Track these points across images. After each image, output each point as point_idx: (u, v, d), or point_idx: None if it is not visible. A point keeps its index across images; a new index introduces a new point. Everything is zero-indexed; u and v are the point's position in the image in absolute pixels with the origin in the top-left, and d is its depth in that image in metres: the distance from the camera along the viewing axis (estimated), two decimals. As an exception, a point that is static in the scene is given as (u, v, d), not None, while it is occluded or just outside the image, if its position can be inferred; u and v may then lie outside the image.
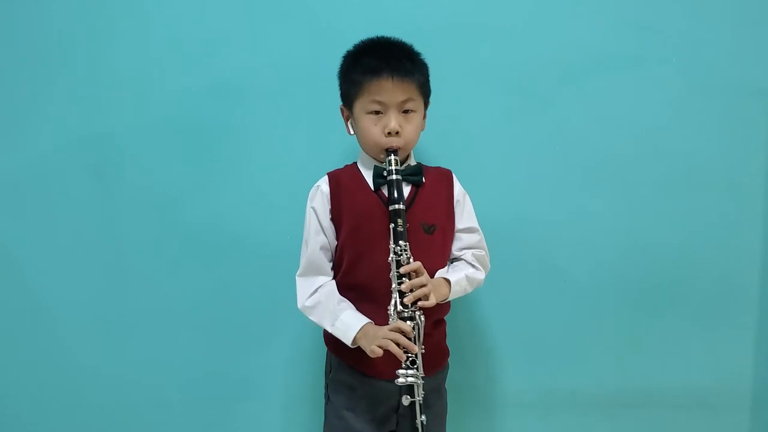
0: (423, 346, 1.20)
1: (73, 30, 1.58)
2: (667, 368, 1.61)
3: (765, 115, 1.58)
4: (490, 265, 1.39)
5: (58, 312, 1.62)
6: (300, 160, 1.54)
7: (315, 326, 1.30)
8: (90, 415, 1.64)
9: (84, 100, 1.59)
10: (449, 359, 1.40)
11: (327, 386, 1.38)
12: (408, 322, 1.19)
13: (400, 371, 1.17)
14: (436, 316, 1.32)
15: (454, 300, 1.32)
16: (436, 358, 1.33)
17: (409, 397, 1.17)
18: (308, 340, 1.57)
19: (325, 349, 1.39)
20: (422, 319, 1.20)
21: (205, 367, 1.62)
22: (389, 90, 1.25)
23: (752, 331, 1.61)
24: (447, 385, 1.41)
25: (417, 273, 1.21)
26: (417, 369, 1.18)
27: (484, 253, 1.37)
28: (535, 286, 1.60)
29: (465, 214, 1.37)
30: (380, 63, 1.26)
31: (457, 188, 1.37)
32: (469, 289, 1.33)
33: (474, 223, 1.37)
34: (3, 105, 1.60)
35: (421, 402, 1.18)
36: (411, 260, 1.21)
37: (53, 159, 1.60)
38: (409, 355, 1.18)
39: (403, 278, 1.20)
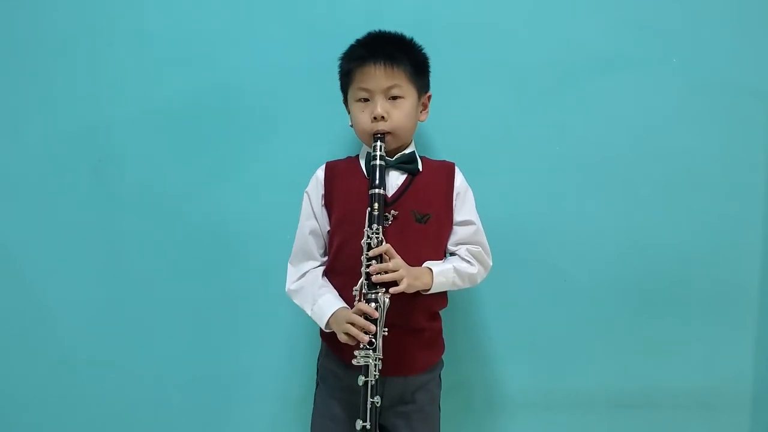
0: (386, 329, 1.19)
1: (73, 28, 1.58)
2: (667, 368, 1.61)
3: (765, 115, 1.58)
4: (491, 262, 1.37)
5: (55, 306, 1.63)
6: (299, 159, 1.54)
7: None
8: (89, 413, 1.64)
9: (83, 99, 1.59)
10: (443, 356, 1.39)
11: (318, 371, 1.40)
12: (371, 304, 1.18)
13: (357, 351, 1.18)
14: (432, 309, 1.32)
15: (455, 299, 1.32)
16: (430, 353, 1.34)
17: (363, 377, 1.17)
18: (304, 328, 1.58)
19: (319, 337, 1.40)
20: (386, 301, 1.19)
21: (206, 357, 1.62)
22: (373, 76, 1.26)
23: (752, 331, 1.61)
24: (446, 385, 1.40)
25: (387, 255, 1.21)
26: (375, 350, 1.17)
27: (480, 249, 1.34)
28: (535, 285, 1.60)
29: (464, 208, 1.35)
30: (365, 51, 1.29)
31: (459, 181, 1.36)
32: (460, 283, 1.31)
33: (472, 216, 1.35)
34: (2, 103, 1.60)
35: (374, 383, 1.17)
36: (383, 243, 1.21)
37: (52, 157, 1.60)
38: (371, 337, 1.17)
39: (372, 261, 1.20)
